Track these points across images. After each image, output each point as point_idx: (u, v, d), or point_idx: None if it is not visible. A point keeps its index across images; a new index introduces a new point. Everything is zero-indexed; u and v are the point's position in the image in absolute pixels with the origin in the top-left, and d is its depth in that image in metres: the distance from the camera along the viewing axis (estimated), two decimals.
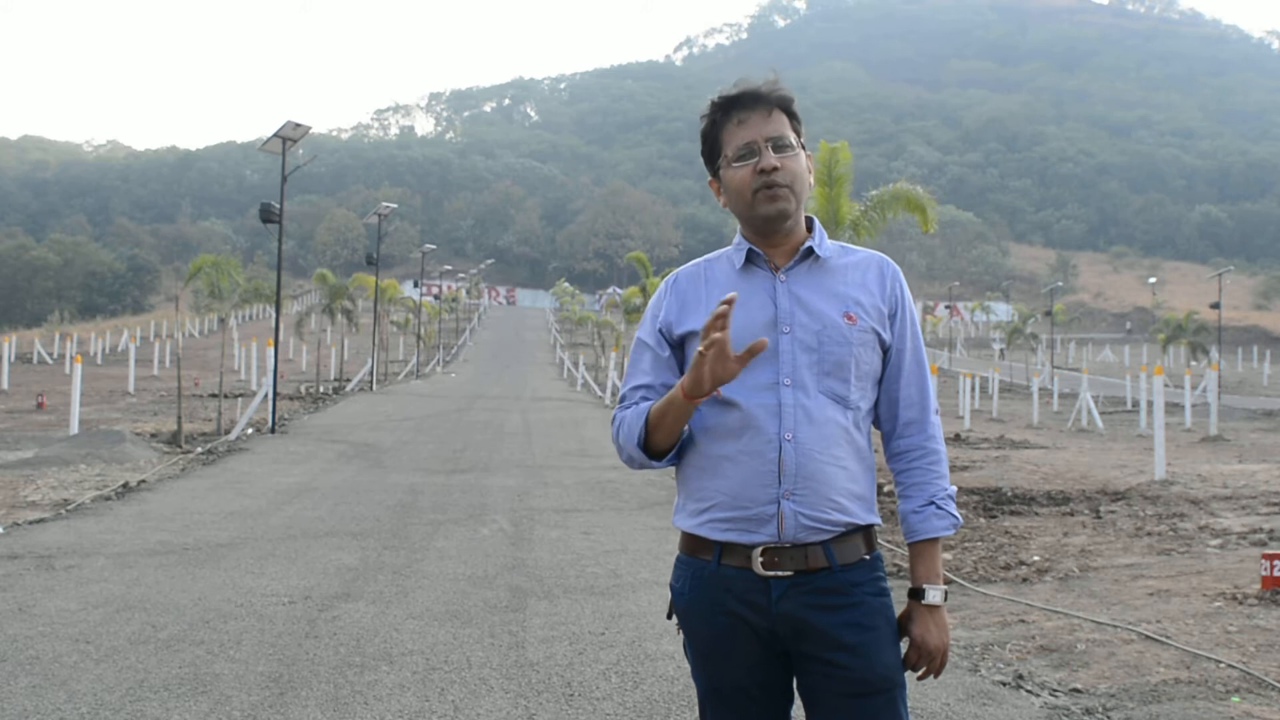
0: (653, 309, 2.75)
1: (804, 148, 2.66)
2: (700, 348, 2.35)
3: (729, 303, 2.32)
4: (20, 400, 30.61)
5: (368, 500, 12.55)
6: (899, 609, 2.64)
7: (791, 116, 2.64)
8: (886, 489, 12.35)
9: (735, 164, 2.62)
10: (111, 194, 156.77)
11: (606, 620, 7.14)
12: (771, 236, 2.65)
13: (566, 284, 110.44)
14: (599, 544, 10.04)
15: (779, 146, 2.59)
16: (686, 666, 5.70)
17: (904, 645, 2.63)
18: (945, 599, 2.63)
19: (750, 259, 2.66)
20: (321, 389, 36.54)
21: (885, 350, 2.68)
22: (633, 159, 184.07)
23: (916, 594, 2.62)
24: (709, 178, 2.74)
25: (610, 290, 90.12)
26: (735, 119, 2.62)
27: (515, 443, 20.26)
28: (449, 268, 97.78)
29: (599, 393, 37.88)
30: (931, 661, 2.61)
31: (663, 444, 2.60)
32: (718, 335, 2.32)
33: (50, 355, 55.48)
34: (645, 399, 2.67)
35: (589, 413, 29.20)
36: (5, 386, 35.71)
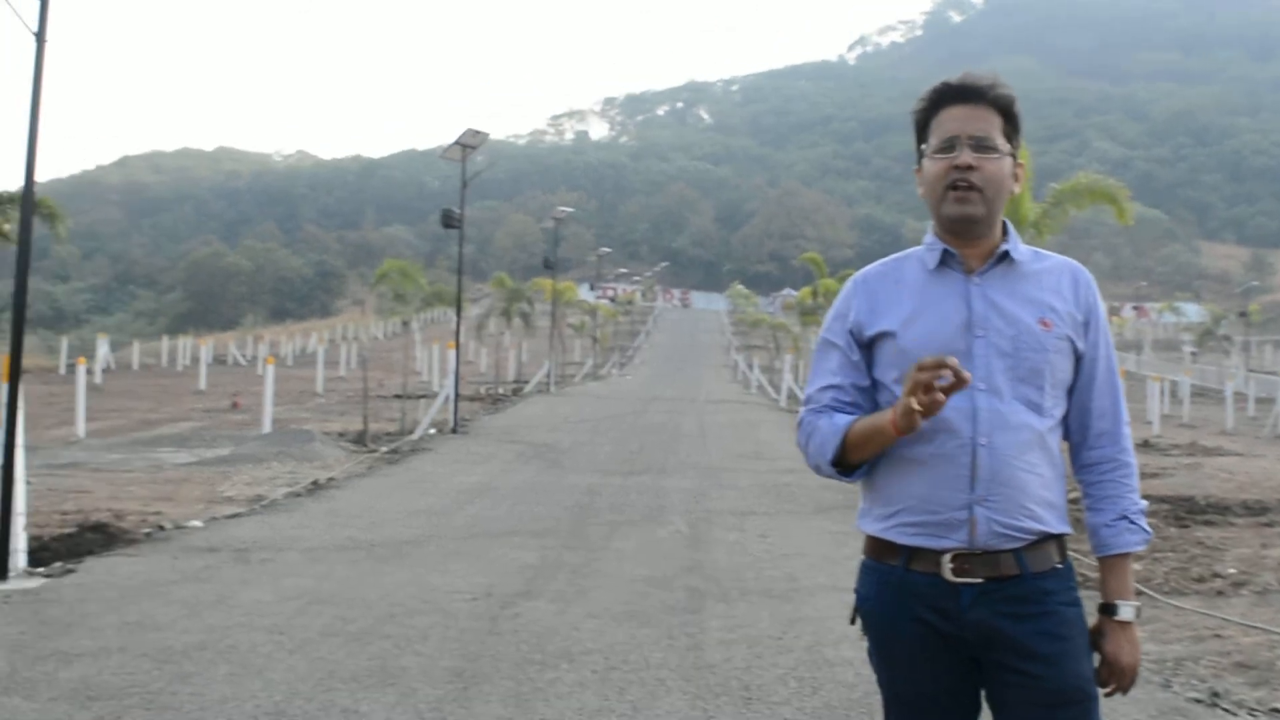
0: (840, 309, 2.70)
1: (1015, 155, 2.59)
2: (915, 404, 2.32)
3: (945, 366, 2.28)
4: (217, 400, 31.72)
5: (547, 500, 12.71)
6: (1090, 620, 2.57)
7: (1008, 119, 2.58)
8: (1072, 497, 11.98)
9: (934, 155, 2.57)
10: (300, 202, 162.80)
11: (784, 624, 7.10)
12: (963, 237, 2.59)
13: (740, 286, 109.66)
14: (775, 547, 10.00)
15: (981, 146, 2.52)
16: (866, 673, 5.63)
17: (1095, 660, 2.56)
18: (1138, 615, 2.57)
19: (944, 260, 2.60)
20: (500, 390, 37.12)
21: (1078, 359, 2.60)
22: (806, 160, 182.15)
23: (1108, 610, 2.56)
24: (915, 167, 2.69)
25: (785, 292, 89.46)
26: (946, 110, 2.57)
27: (691, 445, 20.33)
28: (624, 270, 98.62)
29: (774, 395, 37.77)
30: (1122, 679, 2.56)
31: (857, 463, 2.57)
32: (939, 397, 2.30)
33: (244, 357, 57.44)
34: (836, 400, 2.63)
35: (764, 415, 29.13)
36: (203, 387, 37.10)
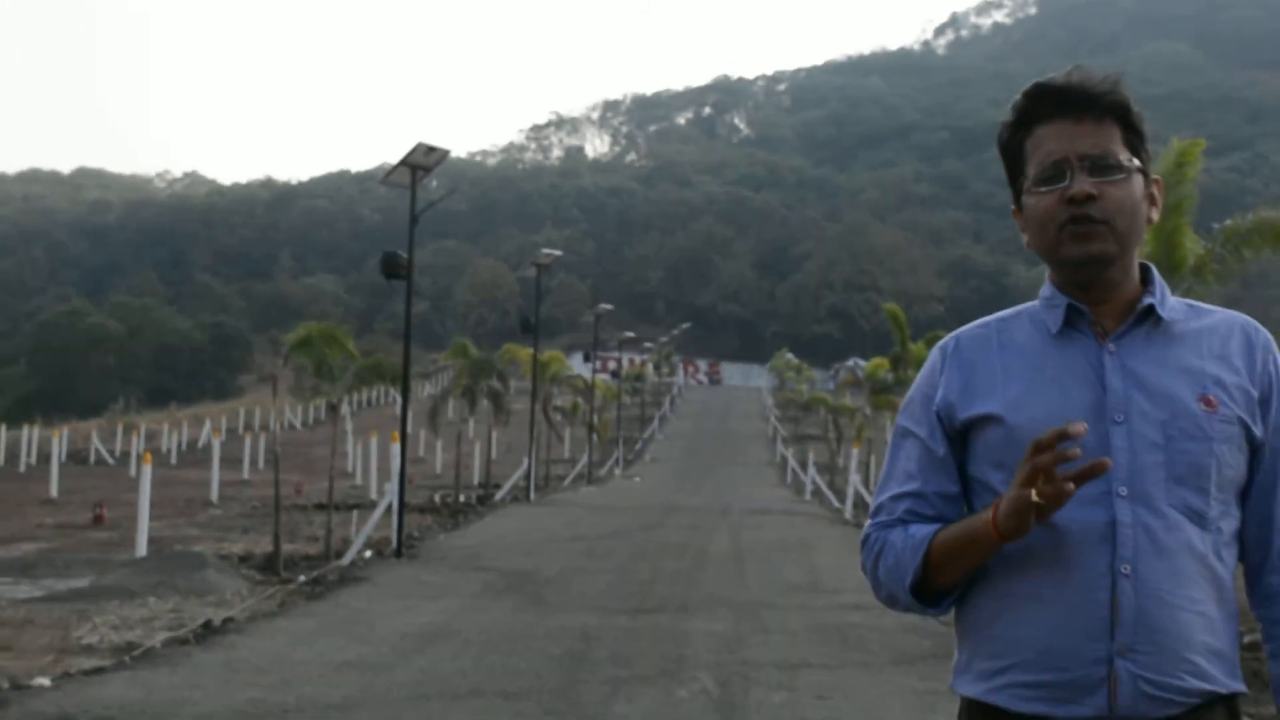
0: (923, 386, 2.72)
1: (1145, 170, 2.60)
2: (1034, 496, 2.31)
3: (1078, 431, 2.30)
4: (73, 512, 31.71)
5: (525, 649, 12.72)
6: None
7: (1127, 126, 2.58)
8: (1246, 640, 11.89)
9: (1038, 188, 2.58)
10: (190, 242, 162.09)
11: None
12: (1093, 287, 2.59)
13: (790, 355, 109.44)
14: (838, 712, 9.98)
15: (1100, 167, 2.53)
16: None
17: None
18: None
19: (1069, 320, 2.61)
20: (462, 498, 37.11)
21: (1254, 450, 2.58)
22: (879, 184, 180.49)
23: None
24: (1012, 206, 2.70)
25: (850, 363, 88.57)
26: (1045, 124, 2.58)
27: (722, 572, 20.51)
28: (631, 335, 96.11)
29: (836, 503, 37.84)
30: None
31: (944, 586, 2.58)
32: (1066, 487, 2.30)
33: (111, 453, 57.30)
34: (912, 512, 2.64)
35: (823, 531, 29.19)
36: (54, 494, 37.31)
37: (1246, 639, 11.80)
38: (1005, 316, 2.73)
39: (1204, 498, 2.50)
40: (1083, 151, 2.53)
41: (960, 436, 2.64)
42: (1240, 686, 2.54)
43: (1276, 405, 2.60)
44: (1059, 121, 2.56)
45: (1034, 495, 2.29)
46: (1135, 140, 2.59)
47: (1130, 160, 2.56)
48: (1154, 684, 2.42)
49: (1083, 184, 2.51)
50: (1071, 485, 2.29)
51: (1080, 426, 2.28)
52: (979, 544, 2.45)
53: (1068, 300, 2.61)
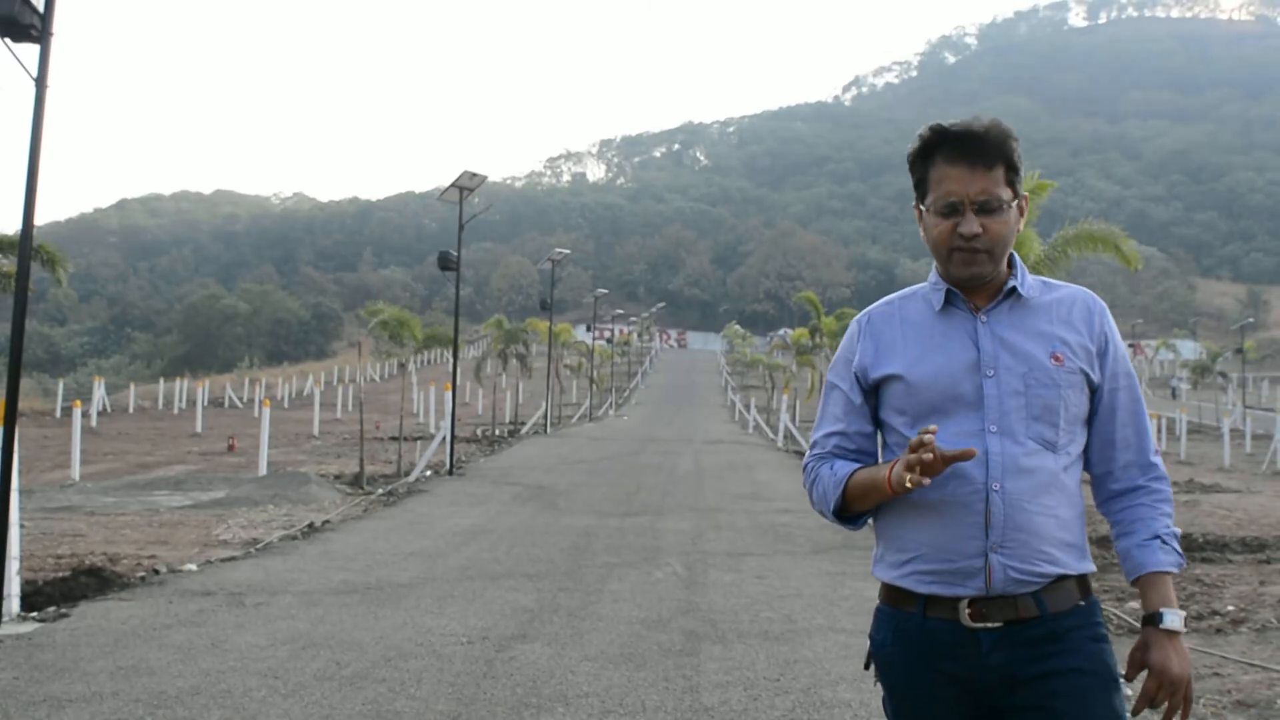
0: (845, 351, 2.72)
1: (1018, 197, 2.58)
2: (908, 483, 2.36)
3: (931, 433, 2.34)
4: (213, 443, 31.55)
5: (543, 542, 12.69)
6: (1121, 660, 2.53)
7: (1010, 168, 2.56)
8: (1094, 536, 11.87)
9: (936, 214, 2.56)
10: (297, 244, 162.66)
11: (781, 666, 7.07)
12: (969, 285, 2.60)
13: (737, 326, 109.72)
14: (772, 588, 9.96)
15: (985, 209, 2.51)
16: (864, 715, 5.59)
17: (1137, 682, 2.52)
18: (1184, 625, 2.51)
19: (949, 300, 2.60)
20: (497, 432, 36.91)
21: (1093, 391, 2.60)
22: (802, 200, 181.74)
23: (1153, 619, 2.51)
24: (915, 204, 2.67)
25: (781, 332, 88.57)
26: (945, 166, 2.55)
27: (687, 486, 20.31)
28: (621, 311, 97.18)
29: (771, 435, 37.63)
30: (1175, 694, 2.46)
31: (859, 513, 2.61)
32: (925, 480, 2.36)
33: (240, 399, 56.60)
34: (839, 447, 2.66)
35: (761, 455, 29.03)
36: (199, 429, 36.85)
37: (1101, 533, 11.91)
38: (905, 295, 2.73)
39: (1055, 430, 2.51)
40: (973, 197, 2.50)
41: (873, 390, 2.65)
42: (1090, 567, 2.55)
43: (1109, 356, 2.60)
44: (959, 165, 2.52)
45: (908, 482, 2.35)
46: (1013, 176, 2.57)
47: (1010, 198, 2.54)
48: (1018, 570, 2.44)
49: (971, 225, 2.50)
50: (927, 480, 2.34)
51: (932, 430, 2.34)
52: (879, 492, 2.49)
53: (948, 286, 2.61)
